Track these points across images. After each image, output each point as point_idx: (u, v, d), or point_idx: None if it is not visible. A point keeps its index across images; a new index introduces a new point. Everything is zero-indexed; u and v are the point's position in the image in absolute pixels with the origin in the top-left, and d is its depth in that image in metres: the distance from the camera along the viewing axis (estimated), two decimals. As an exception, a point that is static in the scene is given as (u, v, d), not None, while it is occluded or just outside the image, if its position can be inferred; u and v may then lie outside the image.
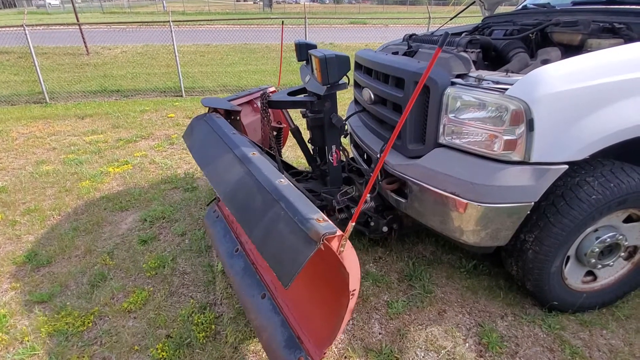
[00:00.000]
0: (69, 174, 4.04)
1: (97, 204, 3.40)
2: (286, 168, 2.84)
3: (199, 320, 2.08)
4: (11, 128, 5.65)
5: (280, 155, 3.58)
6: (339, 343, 1.95)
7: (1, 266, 2.61)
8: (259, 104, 3.09)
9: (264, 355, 1.89)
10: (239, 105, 2.80)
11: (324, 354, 1.52)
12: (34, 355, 1.93)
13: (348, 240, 1.28)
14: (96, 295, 2.32)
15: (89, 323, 2.11)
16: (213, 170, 2.00)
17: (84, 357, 1.91)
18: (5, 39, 8.32)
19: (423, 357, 1.88)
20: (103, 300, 2.27)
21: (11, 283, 2.45)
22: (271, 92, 2.77)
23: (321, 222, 1.26)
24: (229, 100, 2.76)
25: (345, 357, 1.88)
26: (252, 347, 1.94)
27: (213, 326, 2.06)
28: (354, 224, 1.28)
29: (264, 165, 1.71)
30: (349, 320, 1.43)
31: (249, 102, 3.12)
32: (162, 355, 1.88)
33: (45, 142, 5.04)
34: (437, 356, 1.88)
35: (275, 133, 3.33)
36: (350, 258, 1.31)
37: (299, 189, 2.48)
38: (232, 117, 2.55)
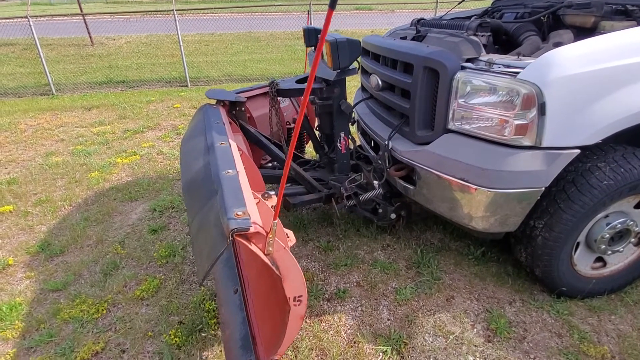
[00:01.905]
0: (78, 165, 4.08)
1: (107, 195, 3.43)
2: (295, 158, 2.84)
3: (210, 307, 2.11)
4: (19, 120, 5.70)
5: (303, 151, 3.57)
6: (348, 329, 1.98)
7: (16, 256, 2.67)
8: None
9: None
10: (249, 97, 2.75)
11: None
12: (51, 341, 1.98)
13: (282, 242, 1.16)
14: (109, 283, 2.36)
15: (103, 310, 2.16)
16: (185, 159, 1.92)
17: (99, 343, 1.95)
18: (9, 30, 8.33)
19: (431, 342, 1.90)
20: (116, 288, 2.32)
21: (26, 272, 2.50)
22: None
23: (240, 216, 1.15)
24: (241, 92, 2.72)
25: (355, 342, 1.91)
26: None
27: (224, 313, 2.09)
28: (276, 221, 1.14)
29: (222, 155, 1.61)
30: (299, 329, 1.32)
31: (265, 94, 3.07)
32: (175, 341, 1.92)
33: (53, 134, 5.08)
34: (446, 341, 1.90)
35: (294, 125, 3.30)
36: (284, 260, 1.20)
37: (304, 176, 2.49)
38: (237, 109, 2.53)
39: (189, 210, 1.52)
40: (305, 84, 2.64)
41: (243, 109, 2.55)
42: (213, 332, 1.98)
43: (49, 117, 5.84)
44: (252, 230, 1.11)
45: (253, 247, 1.13)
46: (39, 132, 5.14)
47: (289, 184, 2.65)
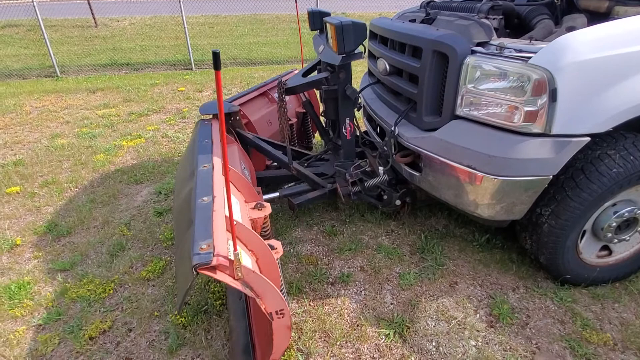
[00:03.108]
0: (83, 147, 4.09)
1: (113, 177, 3.45)
2: (299, 156, 2.83)
3: (215, 289, 2.14)
4: (24, 102, 5.70)
5: (310, 142, 3.56)
6: (351, 312, 2.00)
7: (23, 236, 2.70)
8: (273, 95, 3.04)
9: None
10: (245, 102, 2.75)
11: None
12: (59, 319, 2.02)
13: (250, 264, 1.19)
14: (115, 264, 2.39)
15: (110, 290, 2.19)
16: (176, 182, 1.96)
17: (106, 321, 1.99)
18: (13, 11, 8.26)
19: (434, 326, 1.91)
20: (122, 269, 2.35)
21: (34, 252, 2.54)
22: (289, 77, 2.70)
23: (204, 249, 1.21)
24: (236, 99, 2.70)
25: (358, 325, 1.93)
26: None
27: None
28: (236, 252, 1.21)
29: (202, 181, 1.65)
30: (289, 336, 1.40)
31: (263, 94, 3.04)
32: (181, 321, 1.95)
33: (58, 116, 5.08)
34: (448, 326, 1.91)
35: (296, 120, 3.28)
36: (255, 281, 1.26)
37: (306, 174, 2.48)
38: (232, 118, 2.51)
39: (175, 237, 1.58)
40: (312, 75, 2.62)
41: (238, 117, 2.53)
42: (218, 312, 2.01)
43: (54, 99, 5.84)
44: (214, 262, 1.18)
45: (219, 276, 1.20)
46: (44, 114, 5.15)
47: (293, 183, 2.65)
